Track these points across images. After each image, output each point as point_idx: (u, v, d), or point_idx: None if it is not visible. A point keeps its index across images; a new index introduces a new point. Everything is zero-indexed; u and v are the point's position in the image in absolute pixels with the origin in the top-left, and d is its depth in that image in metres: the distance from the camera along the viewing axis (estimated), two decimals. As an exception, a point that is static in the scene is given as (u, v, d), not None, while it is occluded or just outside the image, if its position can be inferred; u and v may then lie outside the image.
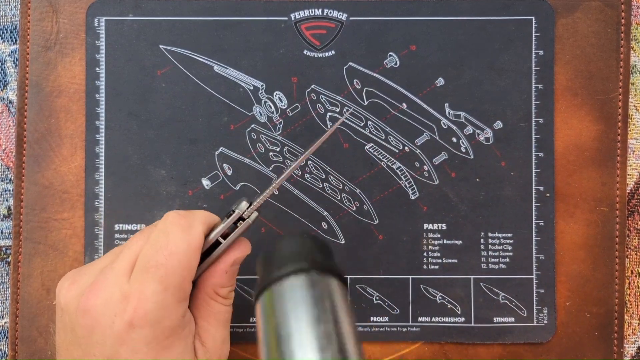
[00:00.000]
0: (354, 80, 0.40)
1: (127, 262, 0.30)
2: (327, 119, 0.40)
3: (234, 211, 0.32)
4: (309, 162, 0.40)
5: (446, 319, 0.39)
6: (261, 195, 0.32)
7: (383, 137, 0.40)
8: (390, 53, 0.40)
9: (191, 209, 0.39)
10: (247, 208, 0.32)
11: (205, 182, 0.40)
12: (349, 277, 0.40)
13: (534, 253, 0.40)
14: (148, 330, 0.28)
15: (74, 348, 0.29)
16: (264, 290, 0.24)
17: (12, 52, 0.41)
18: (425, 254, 0.40)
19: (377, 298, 0.40)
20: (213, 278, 0.31)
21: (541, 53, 0.40)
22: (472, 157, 0.40)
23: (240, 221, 0.32)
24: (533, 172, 0.40)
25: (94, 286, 0.29)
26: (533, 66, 0.40)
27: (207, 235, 0.31)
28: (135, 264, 0.30)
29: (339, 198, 0.40)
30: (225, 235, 0.32)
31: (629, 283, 0.41)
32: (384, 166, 0.40)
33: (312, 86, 0.40)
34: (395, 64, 0.40)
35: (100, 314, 0.28)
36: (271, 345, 0.21)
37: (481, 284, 0.40)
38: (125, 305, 0.28)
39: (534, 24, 0.40)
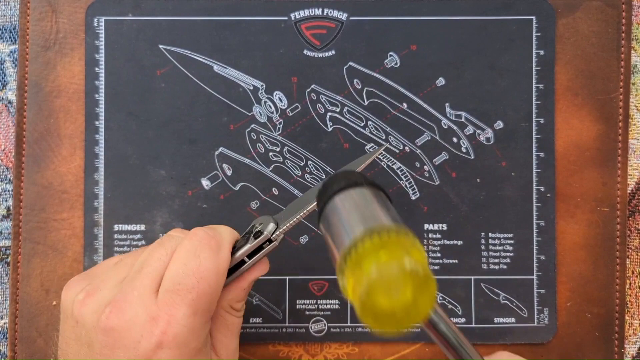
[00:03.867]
0: (354, 80, 0.40)
1: (150, 280, 0.29)
2: (327, 119, 0.40)
3: (260, 232, 0.32)
4: (309, 162, 0.40)
5: (447, 320, 0.39)
6: (291, 219, 0.32)
7: (383, 137, 0.40)
8: (391, 53, 0.40)
9: (191, 210, 0.39)
10: (275, 230, 0.32)
11: (205, 182, 0.40)
12: (349, 277, 0.39)
13: (534, 253, 0.39)
14: (176, 351, 0.28)
15: None
16: (324, 206, 0.27)
17: (11, 52, 0.41)
18: (425, 254, 0.39)
19: (378, 298, 0.39)
20: (232, 294, 0.32)
21: (542, 53, 0.40)
22: (472, 157, 0.40)
23: (267, 242, 0.32)
24: (534, 172, 0.40)
25: (117, 304, 0.28)
26: (534, 66, 0.40)
27: (231, 253, 0.31)
28: (158, 282, 0.29)
29: (339, 198, 0.40)
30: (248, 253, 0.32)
31: (630, 283, 0.41)
32: (384, 166, 0.40)
33: (312, 86, 0.40)
34: (396, 63, 0.40)
35: (124, 334, 0.28)
36: (339, 236, 0.25)
37: (482, 284, 0.40)
38: (152, 327, 0.27)
39: (534, 23, 0.40)
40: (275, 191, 0.40)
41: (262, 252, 0.32)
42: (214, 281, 0.29)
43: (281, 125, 0.40)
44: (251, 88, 0.40)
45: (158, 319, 0.28)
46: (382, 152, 0.40)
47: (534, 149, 0.40)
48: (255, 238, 0.32)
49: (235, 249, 0.32)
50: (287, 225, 0.32)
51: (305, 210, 0.32)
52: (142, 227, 0.39)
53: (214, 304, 0.30)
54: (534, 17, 0.40)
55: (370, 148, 0.40)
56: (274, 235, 0.32)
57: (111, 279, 0.30)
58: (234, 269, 0.32)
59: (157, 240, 0.31)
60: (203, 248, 0.29)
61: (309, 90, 0.40)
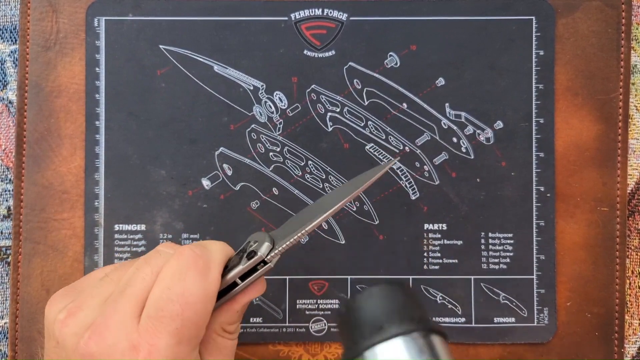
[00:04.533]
0: (354, 80, 0.40)
1: (133, 303, 0.27)
2: (327, 119, 0.40)
3: (254, 252, 0.29)
4: (309, 162, 0.40)
5: (447, 319, 0.39)
6: (287, 239, 0.29)
7: (383, 137, 0.40)
8: (391, 53, 0.40)
9: (191, 210, 0.39)
10: (270, 250, 0.29)
11: (205, 182, 0.40)
12: (349, 277, 0.40)
13: (534, 253, 0.40)
14: None
15: None
16: (357, 356, 0.20)
17: (12, 52, 0.41)
18: (425, 254, 0.40)
19: (378, 298, 0.39)
20: (223, 317, 0.30)
21: (542, 53, 0.40)
22: (472, 157, 0.40)
23: (261, 263, 0.30)
24: (533, 172, 0.40)
25: (97, 329, 0.26)
26: (533, 66, 0.40)
27: (222, 273, 0.29)
28: (142, 304, 0.27)
29: (339, 198, 0.40)
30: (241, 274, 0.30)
31: (630, 283, 0.41)
32: (384, 166, 0.40)
33: (312, 86, 0.40)
34: (396, 63, 0.40)
35: None
36: None
37: (482, 284, 0.40)
38: (133, 357, 0.26)
39: (534, 23, 0.40)
40: (275, 191, 0.40)
41: (256, 274, 0.29)
42: (201, 307, 0.27)
43: (281, 125, 0.40)
44: (251, 88, 0.40)
45: (139, 348, 0.26)
46: (382, 152, 0.40)
47: (534, 149, 0.40)
48: (249, 258, 0.29)
49: (227, 268, 0.30)
50: (283, 246, 0.29)
51: (303, 231, 0.29)
52: (143, 227, 0.39)
53: (201, 331, 0.28)
54: (533, 17, 0.40)
55: (370, 148, 0.40)
56: (268, 257, 0.29)
57: (95, 296, 0.28)
58: (228, 288, 0.30)
59: (144, 255, 0.30)
60: (189, 270, 0.27)
61: (309, 90, 0.40)
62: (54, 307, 0.28)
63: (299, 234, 0.29)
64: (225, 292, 0.30)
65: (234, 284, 0.30)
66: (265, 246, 0.29)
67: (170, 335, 0.26)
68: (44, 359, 0.29)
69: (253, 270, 0.30)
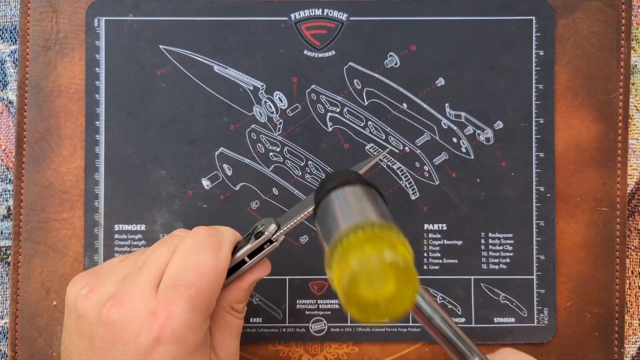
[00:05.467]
0: (354, 81, 0.40)
1: (152, 276, 0.29)
2: (327, 119, 0.40)
3: (261, 232, 0.32)
4: (309, 162, 0.40)
5: (446, 320, 0.39)
6: (292, 220, 0.32)
7: (383, 138, 0.40)
8: (391, 53, 0.40)
9: (191, 210, 0.39)
10: (276, 231, 0.32)
11: (205, 183, 0.40)
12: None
13: (534, 253, 0.40)
14: (174, 346, 0.28)
15: (90, 355, 0.29)
16: (319, 204, 0.29)
17: (12, 52, 0.41)
18: (425, 254, 0.40)
19: (378, 298, 0.40)
20: (232, 294, 0.32)
21: (541, 53, 0.40)
22: (472, 157, 0.40)
23: (268, 243, 0.32)
24: (533, 172, 0.40)
25: (118, 298, 0.29)
26: (533, 66, 0.40)
27: (232, 253, 0.32)
28: (160, 278, 0.29)
29: (339, 198, 0.40)
30: (249, 254, 0.32)
31: (630, 283, 0.41)
32: (384, 166, 0.40)
33: (312, 86, 0.40)
34: (396, 64, 0.40)
35: (124, 328, 0.28)
36: (329, 231, 0.26)
37: (482, 284, 0.40)
38: (151, 322, 0.28)
39: (534, 24, 0.40)
40: (275, 191, 0.40)
41: (263, 252, 0.32)
42: (213, 279, 0.30)
43: (281, 126, 0.40)
44: (251, 88, 0.40)
45: (157, 313, 0.28)
46: (377, 149, 0.40)
47: (534, 149, 0.40)
48: (257, 238, 0.32)
49: (236, 249, 0.32)
50: (288, 226, 0.32)
51: (306, 212, 0.32)
52: (143, 227, 0.39)
53: (213, 301, 0.30)
54: (533, 18, 0.40)
55: (370, 148, 0.40)
56: (274, 236, 0.32)
57: (115, 275, 0.31)
58: (235, 269, 0.32)
59: (160, 239, 0.32)
60: (203, 246, 0.30)
61: (309, 90, 0.40)
62: (75, 285, 0.31)
63: (301, 216, 0.32)
64: (233, 272, 0.32)
65: (241, 264, 0.32)
66: (272, 227, 0.32)
67: (186, 301, 0.29)
68: (63, 336, 0.31)
69: (260, 249, 0.32)
